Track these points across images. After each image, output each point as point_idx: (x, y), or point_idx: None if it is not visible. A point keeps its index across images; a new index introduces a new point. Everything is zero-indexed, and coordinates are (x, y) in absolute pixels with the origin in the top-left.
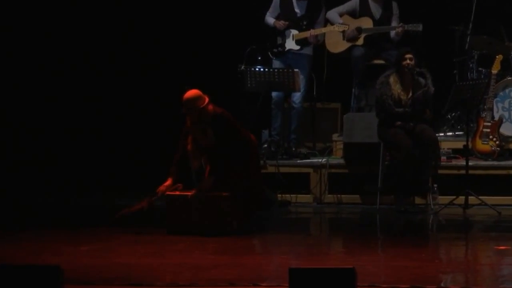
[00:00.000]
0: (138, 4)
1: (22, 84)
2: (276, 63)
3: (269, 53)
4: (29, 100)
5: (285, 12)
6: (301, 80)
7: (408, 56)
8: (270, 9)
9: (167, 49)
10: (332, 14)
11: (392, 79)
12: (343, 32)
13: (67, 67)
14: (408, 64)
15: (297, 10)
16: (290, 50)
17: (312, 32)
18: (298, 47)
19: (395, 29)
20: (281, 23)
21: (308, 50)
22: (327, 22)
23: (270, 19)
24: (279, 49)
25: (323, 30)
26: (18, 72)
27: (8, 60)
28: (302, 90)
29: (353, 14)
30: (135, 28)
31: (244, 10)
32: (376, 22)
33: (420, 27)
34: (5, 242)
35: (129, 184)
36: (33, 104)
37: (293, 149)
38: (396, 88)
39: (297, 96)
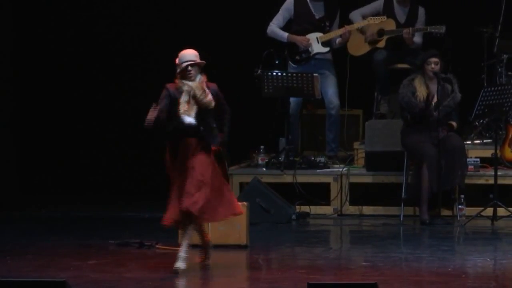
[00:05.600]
0: (152, 5)
1: (25, 94)
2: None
3: (290, 62)
4: (38, 112)
5: (302, 15)
6: (333, 86)
7: (433, 60)
8: (277, 18)
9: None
10: (355, 15)
11: (416, 82)
12: (366, 31)
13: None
14: (433, 69)
15: (314, 12)
16: (316, 54)
17: (347, 27)
18: (326, 49)
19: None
20: (303, 40)
21: (329, 55)
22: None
23: (279, 32)
24: (303, 55)
25: (358, 24)
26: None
27: (9, 61)
28: (335, 95)
29: (376, 16)
30: (150, 29)
31: (261, 12)
32: (400, 26)
33: (443, 29)
34: (10, 256)
35: (139, 195)
36: (45, 115)
37: (332, 159)
38: (421, 89)
39: (334, 104)
